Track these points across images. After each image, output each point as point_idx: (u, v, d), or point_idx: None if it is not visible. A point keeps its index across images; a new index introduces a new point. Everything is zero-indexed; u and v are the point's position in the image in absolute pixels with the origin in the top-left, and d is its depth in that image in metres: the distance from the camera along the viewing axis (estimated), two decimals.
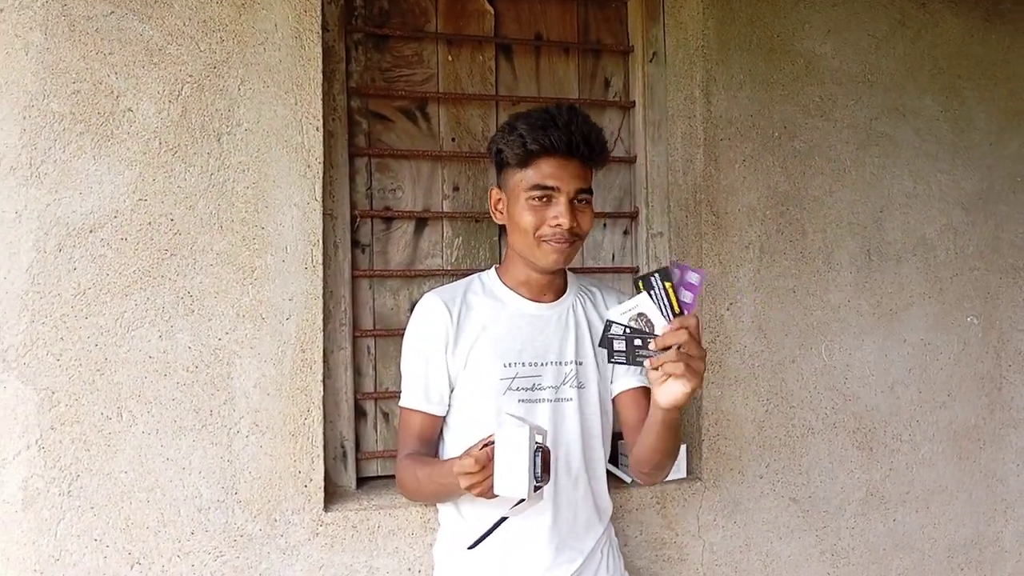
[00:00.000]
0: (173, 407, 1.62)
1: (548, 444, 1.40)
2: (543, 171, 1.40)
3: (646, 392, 1.56)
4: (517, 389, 1.48)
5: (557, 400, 1.51)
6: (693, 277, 1.23)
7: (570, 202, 1.41)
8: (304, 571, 1.68)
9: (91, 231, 1.58)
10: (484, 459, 1.21)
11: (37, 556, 1.55)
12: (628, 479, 1.96)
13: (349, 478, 1.85)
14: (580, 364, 1.54)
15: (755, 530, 2.05)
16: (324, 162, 1.74)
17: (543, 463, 1.21)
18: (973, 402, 2.30)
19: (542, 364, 1.51)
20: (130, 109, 1.61)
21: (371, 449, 1.90)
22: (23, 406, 1.54)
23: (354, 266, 1.88)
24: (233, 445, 1.66)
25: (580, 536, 1.53)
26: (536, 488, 1.20)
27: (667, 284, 1.22)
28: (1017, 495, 2.35)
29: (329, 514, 1.71)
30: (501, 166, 1.50)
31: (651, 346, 1.21)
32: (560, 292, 1.58)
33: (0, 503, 1.54)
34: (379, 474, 1.90)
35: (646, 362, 1.22)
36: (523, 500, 1.20)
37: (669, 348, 1.20)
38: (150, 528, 1.61)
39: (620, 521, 1.90)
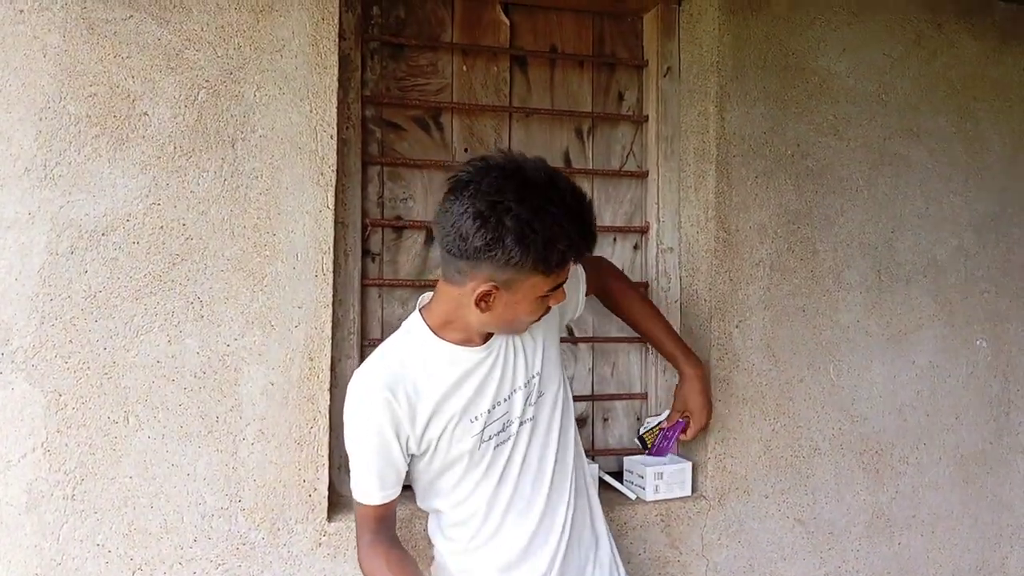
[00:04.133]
0: (180, 413, 1.62)
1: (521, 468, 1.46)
2: (564, 272, 1.31)
3: (594, 263, 1.75)
4: (490, 437, 1.42)
5: (521, 424, 1.45)
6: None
7: None
8: None
9: (103, 234, 1.58)
10: None
11: (39, 560, 1.54)
12: (632, 496, 1.95)
13: None
14: (539, 374, 1.48)
15: (759, 550, 2.04)
16: (337, 170, 1.74)
17: None
18: (981, 426, 2.29)
19: (508, 398, 1.44)
20: (146, 113, 1.61)
21: None
22: (30, 408, 1.54)
23: (364, 275, 1.88)
24: (239, 452, 1.65)
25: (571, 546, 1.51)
26: None
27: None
28: (1023, 521, 2.34)
29: (332, 524, 1.70)
30: (506, 265, 1.23)
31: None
32: None
33: (3, 505, 1.53)
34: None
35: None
36: None
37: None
38: (153, 534, 1.60)
39: (624, 539, 1.89)
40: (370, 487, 1.40)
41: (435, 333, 1.40)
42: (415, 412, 1.37)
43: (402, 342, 1.42)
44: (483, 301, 1.28)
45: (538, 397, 1.47)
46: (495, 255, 1.21)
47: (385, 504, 1.43)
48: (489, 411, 1.41)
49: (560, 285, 1.33)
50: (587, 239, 1.27)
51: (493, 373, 1.43)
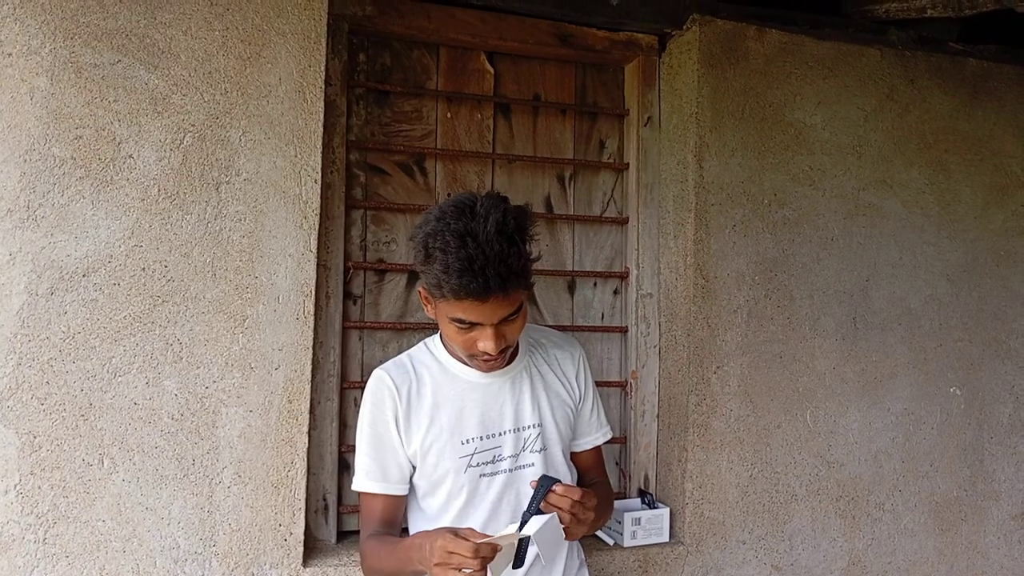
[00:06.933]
0: (156, 455, 1.61)
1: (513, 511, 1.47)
2: (463, 308, 1.29)
3: (599, 449, 1.66)
4: (478, 465, 1.45)
5: (517, 468, 1.47)
6: None
7: (495, 327, 1.32)
8: None
9: (84, 275, 1.58)
10: (489, 552, 1.18)
11: None
12: (611, 541, 1.95)
13: (329, 532, 1.83)
14: (540, 427, 1.50)
15: None
16: (320, 214, 1.75)
17: None
18: (955, 473, 2.31)
19: (500, 434, 1.47)
20: (131, 156, 1.62)
21: (353, 502, 1.88)
22: (4, 450, 1.52)
23: (345, 317, 1.89)
24: (214, 496, 1.64)
25: None
26: None
27: None
28: (998, 568, 2.35)
29: (308, 569, 1.69)
30: (423, 277, 1.35)
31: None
32: (511, 356, 1.49)
33: None
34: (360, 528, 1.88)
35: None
36: None
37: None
38: None
39: None
40: (369, 472, 1.46)
41: (447, 346, 1.49)
42: (411, 411, 1.45)
43: (419, 350, 1.54)
44: (426, 302, 1.40)
45: (542, 451, 1.49)
46: (416, 265, 1.34)
47: (385, 498, 1.46)
48: (482, 438, 1.46)
49: (472, 324, 1.31)
50: (464, 277, 1.23)
51: (491, 403, 1.47)
